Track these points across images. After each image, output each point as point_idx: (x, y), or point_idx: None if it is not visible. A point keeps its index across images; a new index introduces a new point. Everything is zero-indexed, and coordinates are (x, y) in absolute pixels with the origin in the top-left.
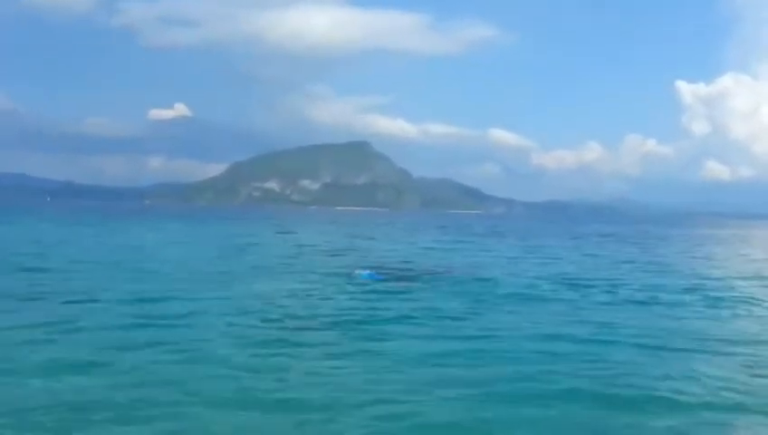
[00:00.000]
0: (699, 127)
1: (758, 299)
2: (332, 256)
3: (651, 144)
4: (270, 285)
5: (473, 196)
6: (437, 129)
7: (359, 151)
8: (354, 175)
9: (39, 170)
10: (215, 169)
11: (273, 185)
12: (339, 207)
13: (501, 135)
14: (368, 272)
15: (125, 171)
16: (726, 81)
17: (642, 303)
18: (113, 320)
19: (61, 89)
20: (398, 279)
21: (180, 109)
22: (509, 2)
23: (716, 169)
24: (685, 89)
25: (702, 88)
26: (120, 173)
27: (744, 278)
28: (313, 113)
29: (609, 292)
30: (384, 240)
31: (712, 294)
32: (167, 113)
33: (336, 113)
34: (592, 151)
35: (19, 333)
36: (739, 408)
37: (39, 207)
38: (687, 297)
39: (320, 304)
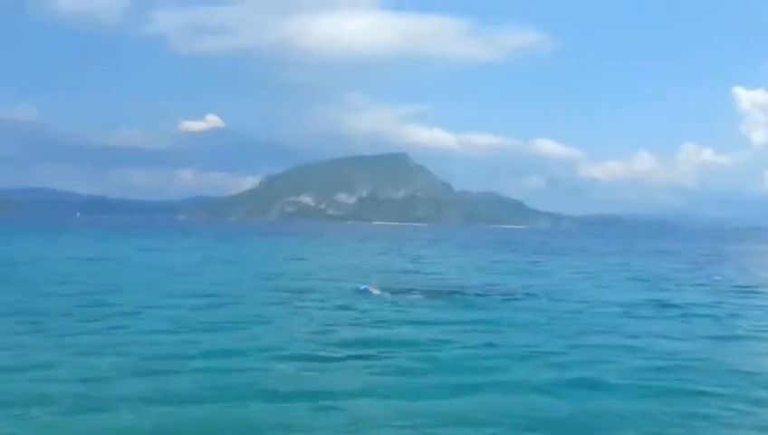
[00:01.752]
0: (759, 136)
1: None
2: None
3: (708, 154)
4: None
5: (517, 210)
6: (479, 139)
7: (397, 163)
8: (392, 188)
9: (68, 184)
10: (247, 183)
11: (307, 199)
12: (376, 222)
13: (546, 145)
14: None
15: (156, 184)
16: None
17: None
18: None
19: (90, 101)
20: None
21: (212, 120)
22: (555, 6)
23: None
24: (743, 95)
25: (761, 94)
26: (151, 186)
27: None
28: (349, 123)
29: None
30: (441, 261)
31: None
32: (198, 125)
33: (372, 123)
34: (644, 162)
35: None
36: None
37: (71, 223)
38: None
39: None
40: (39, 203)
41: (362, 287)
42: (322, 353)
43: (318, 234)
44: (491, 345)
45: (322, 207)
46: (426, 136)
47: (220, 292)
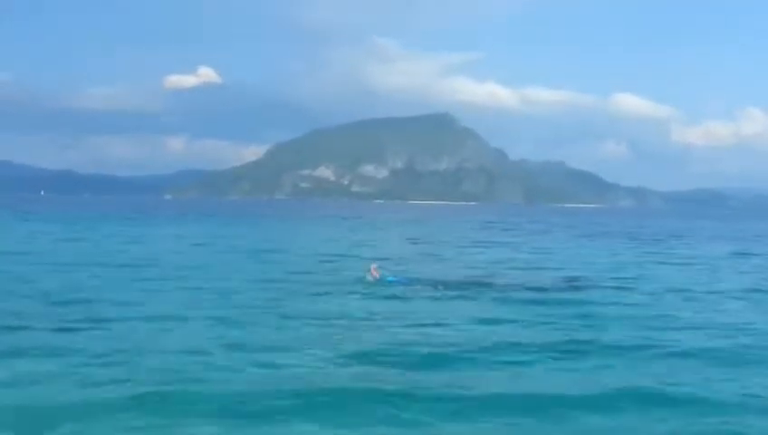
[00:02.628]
0: None
1: None
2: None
3: None
4: None
5: (590, 184)
6: (543, 95)
7: (439, 127)
8: (433, 158)
9: (29, 157)
10: (250, 153)
11: (326, 172)
12: (412, 201)
13: (629, 102)
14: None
15: (136, 156)
16: None
17: None
18: None
19: (55, 53)
20: None
21: (205, 74)
22: None
23: None
24: None
25: None
26: (131, 159)
27: None
28: (379, 76)
29: None
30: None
31: None
32: (188, 80)
33: (408, 76)
34: (755, 122)
35: None
36: None
37: (32, 204)
38: None
39: None
40: None
41: (389, 278)
42: None
43: (340, 216)
44: None
45: (345, 182)
46: (476, 92)
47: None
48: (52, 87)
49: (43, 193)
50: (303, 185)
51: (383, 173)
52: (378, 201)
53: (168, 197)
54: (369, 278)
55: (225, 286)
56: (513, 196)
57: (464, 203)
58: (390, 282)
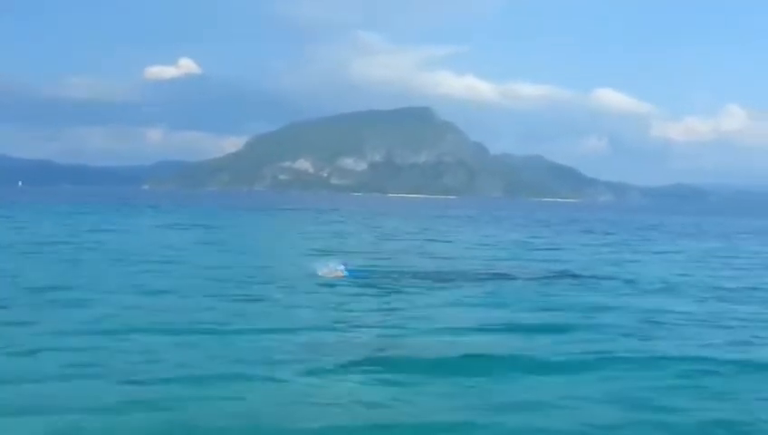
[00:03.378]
0: None
1: None
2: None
3: None
4: None
5: (570, 179)
6: (524, 89)
7: (419, 120)
8: (412, 151)
9: (5, 147)
10: (230, 144)
11: (305, 165)
12: (392, 194)
13: (610, 97)
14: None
15: (115, 147)
16: None
17: None
18: None
19: (33, 42)
20: None
21: (186, 65)
22: None
23: None
24: None
25: None
26: (109, 149)
27: None
28: (360, 69)
29: None
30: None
31: None
32: (168, 71)
33: (388, 69)
34: (734, 118)
35: None
36: None
37: (10, 195)
38: None
39: None
40: None
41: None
42: None
43: (319, 209)
44: None
45: (324, 174)
46: (456, 86)
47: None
48: (30, 77)
49: (21, 184)
50: (283, 177)
51: (362, 166)
52: (356, 194)
53: (145, 187)
54: (322, 272)
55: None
56: (493, 190)
57: (443, 196)
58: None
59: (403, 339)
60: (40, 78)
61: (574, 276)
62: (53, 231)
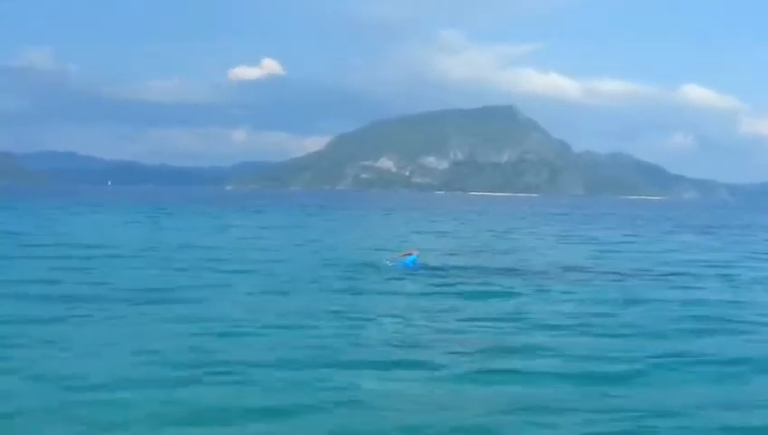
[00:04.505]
0: None
1: None
2: None
3: None
4: None
5: (655, 176)
6: (607, 86)
7: (501, 118)
8: (495, 150)
9: (92, 148)
10: (313, 144)
11: (387, 163)
12: (473, 192)
13: (696, 93)
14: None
15: (199, 148)
16: None
17: None
18: None
19: (118, 44)
20: None
21: (269, 66)
22: None
23: None
24: None
25: None
26: (193, 150)
27: None
28: (441, 68)
29: None
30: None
31: None
32: (252, 72)
33: (471, 67)
34: None
35: None
36: None
37: (101, 196)
38: None
39: None
40: (58, 171)
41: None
42: None
43: (405, 208)
44: None
45: (406, 173)
46: (539, 83)
47: None
48: (116, 79)
49: (110, 184)
50: (365, 176)
51: (444, 165)
52: (438, 192)
53: (228, 188)
54: (388, 262)
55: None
56: (575, 188)
57: (525, 195)
58: (407, 266)
59: None
60: (125, 79)
61: None
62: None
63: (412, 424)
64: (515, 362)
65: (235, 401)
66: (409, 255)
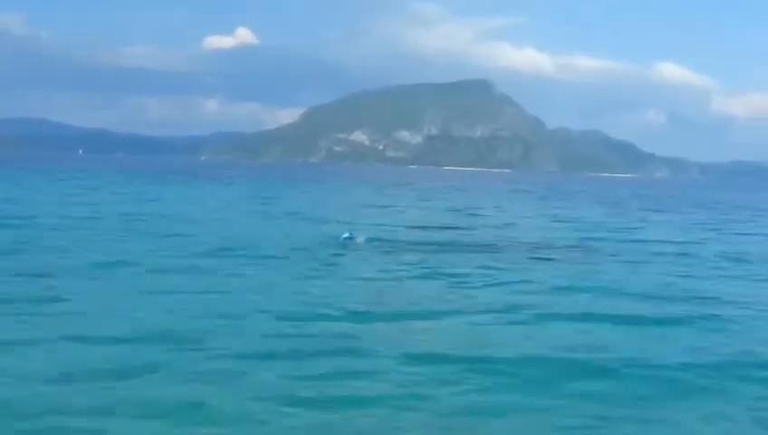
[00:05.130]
0: None
1: None
2: None
3: None
4: None
5: (627, 154)
6: (583, 62)
7: (475, 93)
8: (468, 125)
9: (64, 114)
10: (286, 115)
11: (361, 137)
12: (447, 167)
13: (670, 71)
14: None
15: (172, 117)
16: None
17: None
18: None
19: (92, 10)
20: None
21: (243, 35)
22: None
23: None
24: None
25: None
26: (166, 119)
27: None
28: (416, 41)
29: None
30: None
31: None
32: (226, 41)
33: (445, 41)
34: None
35: None
36: None
37: (72, 164)
38: None
39: None
40: (29, 137)
41: (345, 236)
42: None
43: (381, 183)
44: None
45: (380, 147)
46: (514, 58)
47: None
48: (88, 45)
49: (81, 152)
50: (338, 149)
51: (418, 139)
52: (411, 166)
53: (202, 158)
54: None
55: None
56: (549, 164)
57: (498, 170)
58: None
59: None
60: (97, 46)
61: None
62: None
63: None
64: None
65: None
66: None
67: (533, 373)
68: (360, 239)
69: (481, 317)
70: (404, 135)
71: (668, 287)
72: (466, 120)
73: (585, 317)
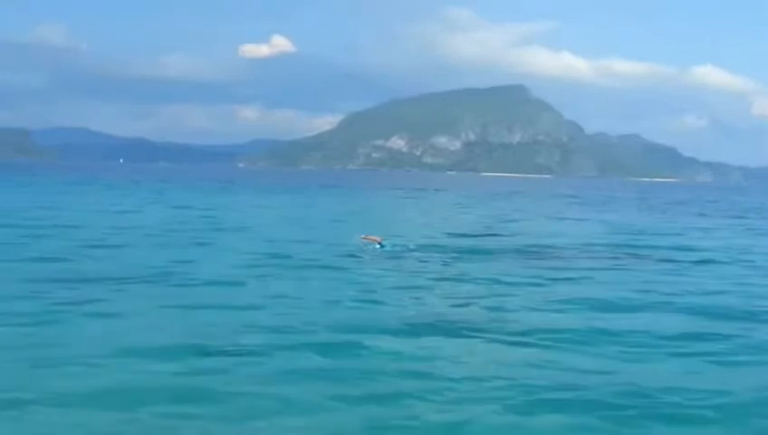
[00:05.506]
0: None
1: None
2: None
3: None
4: None
5: (668, 158)
6: (620, 67)
7: (512, 98)
8: (506, 130)
9: (105, 124)
10: (324, 122)
11: (399, 143)
12: (485, 173)
13: (710, 74)
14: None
15: (210, 125)
16: None
17: None
18: None
19: (130, 20)
20: None
21: (279, 43)
22: None
23: None
24: None
25: None
26: (204, 127)
27: None
28: (452, 47)
29: None
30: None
31: None
32: (262, 50)
33: (483, 46)
34: None
35: None
36: None
37: (115, 173)
38: None
39: None
40: (71, 147)
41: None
42: None
43: (421, 189)
44: None
45: (417, 153)
46: (551, 63)
47: None
48: (126, 55)
49: (122, 161)
50: (376, 155)
51: (456, 145)
52: (450, 172)
53: (240, 165)
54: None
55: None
56: (588, 169)
57: (537, 176)
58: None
59: None
60: (135, 56)
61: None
62: None
63: None
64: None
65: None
66: (376, 241)
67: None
68: (378, 245)
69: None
70: (441, 141)
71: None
72: (504, 126)
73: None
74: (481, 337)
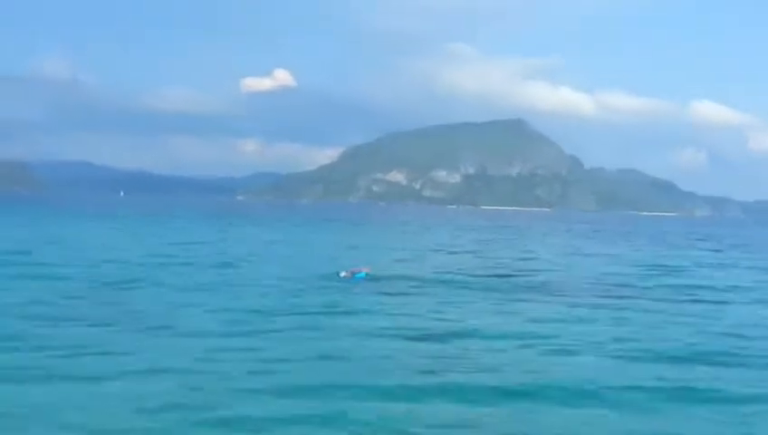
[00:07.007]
0: None
1: None
2: None
3: None
4: None
5: (666, 192)
6: (618, 101)
7: (512, 132)
8: (506, 163)
9: (106, 157)
10: (324, 156)
11: (399, 177)
12: (485, 206)
13: (708, 109)
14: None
15: (211, 158)
16: None
17: None
18: None
19: (132, 54)
20: None
21: (281, 77)
22: None
23: None
24: None
25: None
26: (205, 160)
27: None
28: (452, 82)
29: None
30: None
31: None
32: (263, 83)
33: (481, 81)
34: None
35: None
36: None
37: (116, 206)
38: None
39: None
40: (73, 180)
41: (341, 274)
42: None
43: (425, 225)
44: None
45: (417, 186)
46: (550, 97)
47: None
48: (128, 88)
49: (122, 194)
50: (376, 189)
51: (455, 178)
52: (450, 206)
53: (240, 198)
54: (343, 275)
55: None
56: (587, 203)
57: (537, 209)
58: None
59: None
60: (137, 90)
61: None
62: None
63: None
64: None
65: None
66: (359, 271)
67: None
68: (349, 273)
69: None
70: (441, 175)
71: None
72: (503, 160)
73: None
74: None
